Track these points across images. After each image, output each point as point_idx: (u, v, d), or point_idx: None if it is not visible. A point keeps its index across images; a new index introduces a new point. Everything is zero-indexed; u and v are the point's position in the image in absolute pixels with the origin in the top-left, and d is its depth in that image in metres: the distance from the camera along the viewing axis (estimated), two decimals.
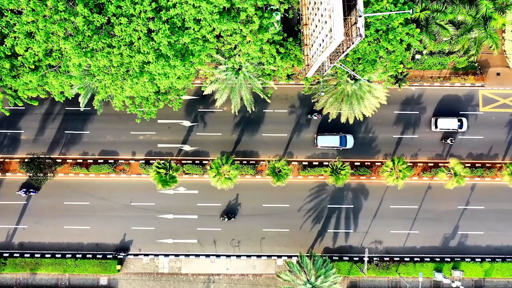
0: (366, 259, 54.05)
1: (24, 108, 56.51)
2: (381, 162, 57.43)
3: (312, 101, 54.51)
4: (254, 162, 57.61)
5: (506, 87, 58.03)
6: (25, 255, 56.69)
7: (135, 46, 43.53)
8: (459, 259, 56.74)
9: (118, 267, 56.60)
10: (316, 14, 42.77)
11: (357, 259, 56.91)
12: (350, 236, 57.64)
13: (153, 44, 43.07)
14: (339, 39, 38.01)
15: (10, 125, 57.70)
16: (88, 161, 57.52)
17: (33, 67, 45.63)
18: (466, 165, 56.67)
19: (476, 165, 57.51)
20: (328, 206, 57.87)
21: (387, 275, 56.63)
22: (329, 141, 56.14)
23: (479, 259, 56.54)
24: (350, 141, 56.54)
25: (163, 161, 53.54)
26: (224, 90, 51.90)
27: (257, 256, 57.45)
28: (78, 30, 42.56)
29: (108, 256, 57.00)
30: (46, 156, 57.00)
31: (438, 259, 56.74)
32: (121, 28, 42.45)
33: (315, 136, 57.18)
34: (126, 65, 44.40)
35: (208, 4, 42.09)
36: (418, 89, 58.36)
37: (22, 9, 43.31)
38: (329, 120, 54.74)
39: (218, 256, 57.52)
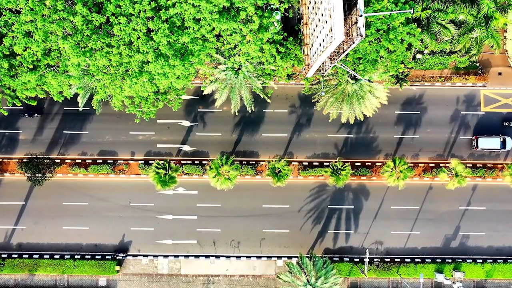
0: (366, 260, 53.79)
1: (22, 108, 56.15)
2: (381, 163, 57.17)
3: (313, 101, 54.24)
4: (254, 162, 57.36)
5: (508, 87, 57.77)
6: (24, 256, 56.54)
7: (134, 45, 43.30)
8: (460, 260, 56.48)
9: (117, 268, 56.35)
10: (316, 14, 42.51)
11: (357, 260, 56.64)
12: (351, 237, 57.39)
13: (152, 43, 42.84)
14: (340, 38, 37.74)
15: (9, 125, 57.48)
16: (87, 161, 57.25)
17: (31, 66, 45.46)
18: (468, 165, 56.41)
19: (478, 165, 57.23)
20: (329, 206, 57.62)
21: (388, 276, 56.38)
22: (491, 143, 56.17)
23: (481, 260, 56.28)
24: (509, 143, 56.47)
25: (162, 162, 53.33)
26: (224, 90, 51.65)
27: (257, 257, 57.20)
28: (77, 30, 42.33)
29: (107, 257, 56.75)
30: (45, 156, 56.79)
31: (439, 260, 56.48)
32: (120, 28, 42.23)
33: (473, 138, 56.92)
34: (125, 65, 44.16)
35: (208, 3, 41.83)
36: (419, 89, 58.10)
37: (20, 9, 43.11)
38: (330, 120, 54.42)
39: (217, 257, 57.28)
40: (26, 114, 56.77)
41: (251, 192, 57.34)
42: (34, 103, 50.81)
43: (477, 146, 56.44)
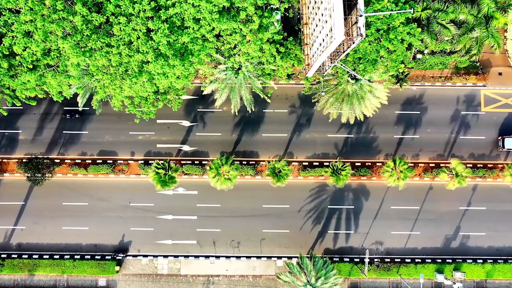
0: (367, 260, 53.67)
1: (22, 108, 56.15)
2: (382, 163, 57.07)
3: (313, 101, 54.15)
4: (254, 162, 57.26)
5: (508, 86, 57.67)
6: (23, 256, 56.44)
7: (134, 45, 43.19)
8: (460, 260, 56.38)
9: (117, 268, 56.26)
10: (316, 14, 42.40)
11: (357, 260, 56.53)
12: (351, 237, 57.28)
13: (152, 43, 42.72)
14: (340, 38, 37.62)
15: (8, 125, 57.39)
16: (87, 161, 57.15)
17: (31, 66, 45.32)
18: (468, 165, 56.30)
19: (478, 165, 57.12)
20: (329, 206, 57.51)
21: (388, 276, 56.27)
22: None
23: (481, 260, 56.18)
24: None
25: (162, 162, 53.21)
26: (224, 90, 51.55)
27: (257, 257, 57.10)
28: (77, 30, 42.21)
29: (106, 257, 56.65)
30: (44, 156, 56.69)
31: (440, 260, 56.37)
32: (120, 28, 42.12)
33: (499, 138, 56.74)
34: (125, 65, 44.05)
35: (208, 3, 41.71)
36: (419, 89, 58.00)
37: (20, 8, 42.99)
38: (330, 120, 54.33)
39: (217, 257, 57.18)
40: (67, 115, 56.48)
41: (251, 192, 57.24)
42: (34, 103, 50.67)
43: (503, 146, 56.18)
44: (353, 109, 52.13)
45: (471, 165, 56.82)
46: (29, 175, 54.90)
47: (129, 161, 57.32)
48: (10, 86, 47.59)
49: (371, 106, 52.11)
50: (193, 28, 43.23)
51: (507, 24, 50.39)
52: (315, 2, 42.37)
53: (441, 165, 56.98)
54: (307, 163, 57.42)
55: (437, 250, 57.07)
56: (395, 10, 44.09)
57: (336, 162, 54.62)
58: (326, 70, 48.04)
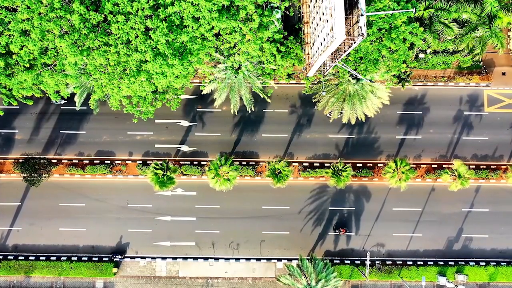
0: (368, 262, 53.15)
1: (18, 107, 55.63)
2: (383, 163, 56.54)
3: (313, 101, 53.61)
4: (253, 163, 56.71)
5: None
6: (19, 258, 55.93)
7: (132, 44, 42.69)
8: (463, 262, 55.81)
9: (115, 270, 55.73)
10: (317, 13, 41.83)
11: (358, 262, 55.96)
12: (352, 239, 56.70)
13: (150, 42, 42.22)
14: (341, 38, 37.08)
15: (4, 125, 56.91)
16: (84, 161, 56.62)
17: (28, 65, 44.86)
18: (471, 166, 55.76)
19: (481, 166, 56.53)
20: (329, 208, 56.96)
21: (389, 279, 55.69)
22: None
23: (484, 263, 55.61)
24: None
25: (160, 162, 52.75)
26: (223, 90, 51.04)
27: (256, 259, 56.55)
28: (74, 28, 41.72)
29: (104, 258, 56.10)
30: (41, 156, 56.21)
31: (442, 263, 55.80)
32: (118, 26, 41.63)
33: None
34: (123, 64, 43.57)
35: (207, 1, 41.18)
36: (421, 89, 57.44)
37: (17, 7, 42.45)
38: (331, 121, 53.76)
39: (216, 259, 56.62)
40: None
41: (250, 193, 56.68)
42: (30, 103, 50.17)
43: None
44: (355, 109, 51.64)
45: (474, 166, 56.22)
46: (25, 175, 54.46)
47: (127, 162, 56.77)
48: (6, 85, 47.23)
49: (373, 106, 51.61)
50: (192, 27, 42.71)
51: (510, 24, 49.98)
52: (316, 1, 41.80)
53: (444, 166, 56.41)
54: (307, 164, 56.86)
55: (439, 252, 56.52)
56: (397, 9, 43.55)
57: (337, 163, 54.12)
58: (327, 70, 47.49)
